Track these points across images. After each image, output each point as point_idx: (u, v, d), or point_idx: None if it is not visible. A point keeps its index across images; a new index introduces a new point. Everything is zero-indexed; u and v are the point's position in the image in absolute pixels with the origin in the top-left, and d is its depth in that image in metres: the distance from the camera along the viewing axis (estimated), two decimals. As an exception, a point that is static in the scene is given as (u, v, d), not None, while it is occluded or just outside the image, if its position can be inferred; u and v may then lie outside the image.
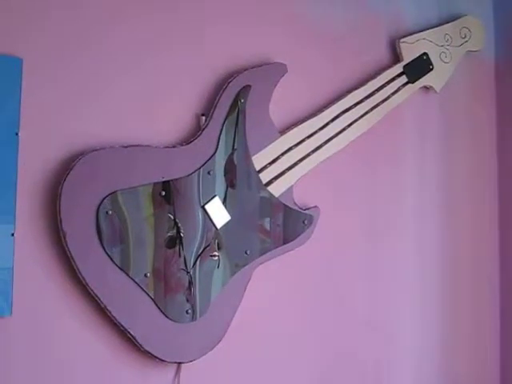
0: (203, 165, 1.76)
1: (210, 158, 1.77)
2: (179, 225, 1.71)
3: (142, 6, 1.78)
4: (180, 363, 1.72)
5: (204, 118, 1.80)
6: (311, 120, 1.92)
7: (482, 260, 2.27)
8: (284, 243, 1.86)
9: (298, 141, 1.89)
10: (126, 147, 1.68)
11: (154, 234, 1.69)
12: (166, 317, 1.68)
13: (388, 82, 2.05)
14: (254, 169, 1.83)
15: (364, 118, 2.00)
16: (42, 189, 1.62)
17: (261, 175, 1.83)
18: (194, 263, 1.73)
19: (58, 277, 1.62)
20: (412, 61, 2.09)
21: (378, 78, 2.04)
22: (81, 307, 1.63)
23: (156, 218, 1.69)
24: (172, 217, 1.71)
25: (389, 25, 2.13)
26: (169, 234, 1.70)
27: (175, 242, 1.71)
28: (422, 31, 2.12)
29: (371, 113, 2.01)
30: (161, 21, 1.80)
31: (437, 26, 2.16)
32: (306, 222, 1.89)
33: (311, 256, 1.93)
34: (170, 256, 1.70)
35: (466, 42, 2.21)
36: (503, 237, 2.28)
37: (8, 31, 1.61)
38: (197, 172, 1.75)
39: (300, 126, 1.91)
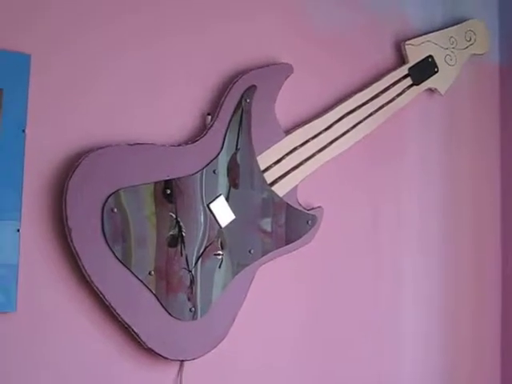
0: (208, 164, 1.76)
1: (215, 157, 1.77)
2: (181, 224, 1.72)
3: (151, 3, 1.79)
4: (183, 361, 1.72)
5: (210, 117, 1.80)
6: (316, 120, 1.93)
7: (483, 261, 2.27)
8: (287, 243, 1.86)
9: (303, 141, 1.90)
10: (131, 145, 1.68)
11: (156, 232, 1.69)
12: (170, 315, 1.68)
13: (393, 84, 2.05)
14: (259, 168, 1.83)
15: (369, 119, 2.00)
16: (47, 186, 1.62)
17: (265, 175, 1.84)
18: (196, 262, 1.73)
19: (62, 273, 1.62)
20: (417, 63, 2.10)
21: (383, 79, 2.05)
22: (85, 304, 1.64)
23: (158, 217, 1.69)
24: (174, 215, 1.71)
25: (394, 27, 2.13)
26: (170, 233, 1.71)
27: (177, 240, 1.71)
28: (427, 34, 2.13)
29: (376, 114, 2.02)
30: (167, 19, 1.80)
31: (442, 29, 2.17)
32: (309, 222, 1.89)
33: (315, 256, 1.93)
34: (172, 255, 1.71)
35: (471, 45, 2.21)
36: (505, 242, 2.29)
37: (15, 27, 1.61)
38: (201, 171, 1.75)
39: (305, 127, 1.91)
